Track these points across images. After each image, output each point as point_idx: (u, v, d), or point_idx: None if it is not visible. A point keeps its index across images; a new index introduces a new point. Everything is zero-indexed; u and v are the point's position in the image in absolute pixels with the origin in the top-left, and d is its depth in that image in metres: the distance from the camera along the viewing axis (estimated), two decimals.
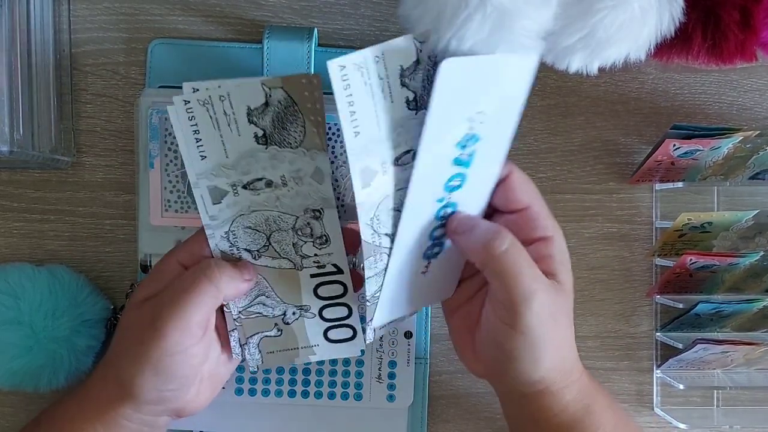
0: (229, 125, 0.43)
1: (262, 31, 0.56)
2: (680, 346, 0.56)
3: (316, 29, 0.57)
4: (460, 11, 0.45)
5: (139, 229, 0.56)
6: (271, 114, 0.43)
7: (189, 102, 0.42)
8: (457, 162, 0.43)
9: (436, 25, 0.46)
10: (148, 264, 0.56)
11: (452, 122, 0.41)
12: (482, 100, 0.41)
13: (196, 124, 0.43)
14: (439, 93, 0.39)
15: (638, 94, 0.59)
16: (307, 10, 0.58)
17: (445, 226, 0.46)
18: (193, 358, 0.46)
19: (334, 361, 0.56)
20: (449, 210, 0.45)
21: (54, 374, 0.54)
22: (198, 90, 0.42)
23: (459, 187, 0.44)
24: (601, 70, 0.49)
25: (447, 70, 0.38)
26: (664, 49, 0.50)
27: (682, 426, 0.58)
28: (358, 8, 0.58)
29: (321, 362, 0.56)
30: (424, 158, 0.41)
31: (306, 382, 0.56)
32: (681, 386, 0.58)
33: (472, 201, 0.46)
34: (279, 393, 0.56)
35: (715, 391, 0.60)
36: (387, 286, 0.46)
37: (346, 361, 0.56)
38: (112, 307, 0.57)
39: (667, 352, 0.58)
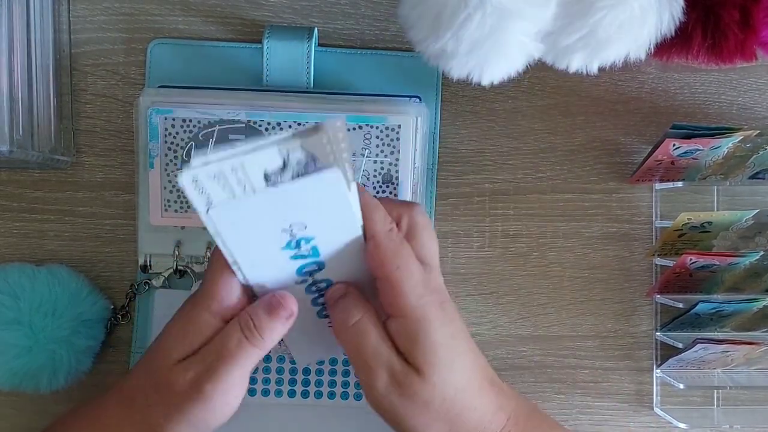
0: (244, 190, 0.42)
1: (262, 31, 0.56)
2: (680, 345, 0.56)
3: (316, 29, 0.57)
4: (459, 11, 0.45)
5: (138, 229, 0.56)
6: (291, 173, 0.42)
7: (197, 180, 0.40)
8: (297, 257, 0.43)
9: (435, 24, 0.46)
10: (148, 264, 0.56)
11: (254, 242, 0.42)
12: (285, 216, 0.42)
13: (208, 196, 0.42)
14: (219, 232, 0.41)
15: (638, 93, 0.59)
16: (307, 10, 0.58)
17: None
18: (235, 406, 0.45)
19: (334, 361, 0.56)
20: (320, 278, 0.45)
21: (54, 374, 0.54)
22: (208, 164, 0.40)
23: (319, 270, 0.45)
24: (600, 69, 0.49)
25: (215, 216, 0.40)
26: (664, 48, 0.50)
27: (682, 426, 0.58)
28: (358, 8, 0.58)
29: (321, 362, 0.56)
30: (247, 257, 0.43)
31: (306, 382, 0.56)
32: (681, 386, 0.58)
33: (350, 269, 0.46)
34: (279, 393, 0.56)
35: (715, 390, 0.60)
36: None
37: (346, 361, 0.56)
38: (112, 307, 0.57)
39: (667, 352, 0.58)
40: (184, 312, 0.45)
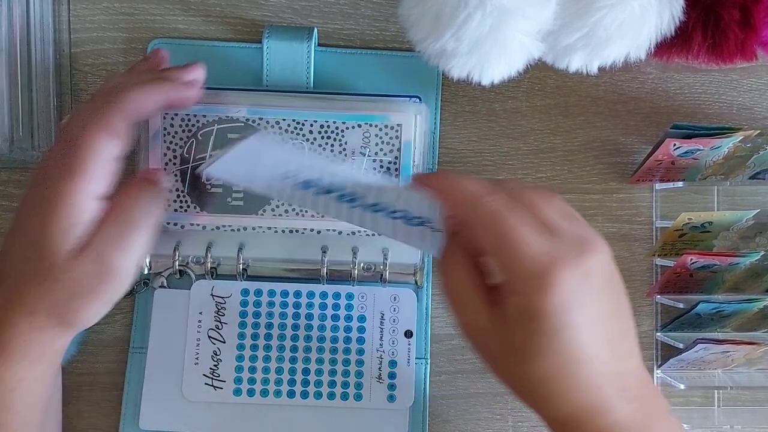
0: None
1: (262, 31, 0.56)
2: (681, 346, 0.56)
3: (316, 29, 0.57)
4: (459, 10, 0.45)
5: None
6: None
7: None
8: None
9: (435, 24, 0.46)
10: (147, 264, 0.56)
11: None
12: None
13: None
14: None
15: (638, 94, 0.59)
16: (307, 10, 0.58)
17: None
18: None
19: (333, 361, 0.56)
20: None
21: None
22: None
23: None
24: (601, 69, 0.50)
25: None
26: (664, 48, 0.50)
27: (683, 426, 0.58)
28: (358, 8, 0.59)
29: (320, 362, 0.56)
30: None
31: (305, 383, 0.56)
32: (682, 386, 0.57)
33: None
34: (278, 393, 0.56)
35: (716, 391, 0.59)
36: None
37: (346, 361, 0.56)
38: None
39: (667, 352, 0.58)
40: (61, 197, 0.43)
